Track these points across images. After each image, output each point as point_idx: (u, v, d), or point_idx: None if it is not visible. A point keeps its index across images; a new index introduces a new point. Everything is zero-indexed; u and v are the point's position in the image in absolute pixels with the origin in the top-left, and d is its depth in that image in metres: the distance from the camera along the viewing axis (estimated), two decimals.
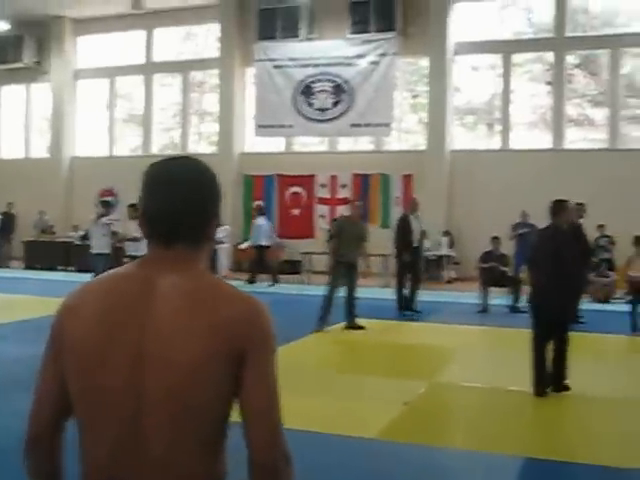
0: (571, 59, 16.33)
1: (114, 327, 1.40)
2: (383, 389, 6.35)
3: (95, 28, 19.25)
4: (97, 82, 19.53)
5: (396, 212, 16.80)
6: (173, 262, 1.45)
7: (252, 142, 18.24)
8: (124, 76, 19.27)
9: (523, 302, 10.86)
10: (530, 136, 16.49)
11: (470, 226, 16.15)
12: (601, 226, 13.99)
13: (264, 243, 15.01)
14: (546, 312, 5.95)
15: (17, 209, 18.73)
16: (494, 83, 16.67)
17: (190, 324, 1.38)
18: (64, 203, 19.51)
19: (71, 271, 16.13)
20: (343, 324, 9.60)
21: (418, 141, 17.30)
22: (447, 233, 16.25)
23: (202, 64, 18.59)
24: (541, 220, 13.98)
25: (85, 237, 14.35)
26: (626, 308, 10.27)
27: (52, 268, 16.63)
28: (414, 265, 11.19)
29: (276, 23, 17.14)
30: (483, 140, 17.08)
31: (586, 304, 10.22)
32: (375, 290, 13.80)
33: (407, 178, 16.70)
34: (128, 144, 19.65)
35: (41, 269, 16.57)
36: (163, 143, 19.36)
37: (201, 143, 19.25)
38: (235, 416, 1.52)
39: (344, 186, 17.08)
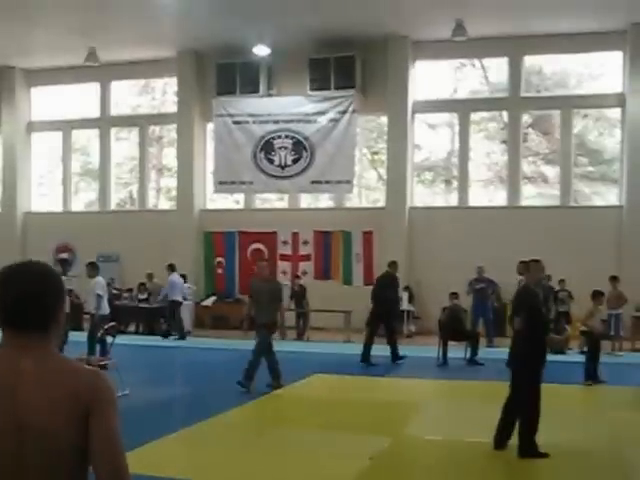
0: (525, 118, 17.83)
1: None
2: (348, 445, 6.70)
3: (48, 79, 19.83)
4: (51, 135, 20.13)
5: (357, 268, 18.04)
6: (27, 345, 1.89)
7: (212, 198, 19.18)
8: (79, 129, 19.94)
9: (480, 355, 12.15)
10: (486, 193, 17.91)
11: (429, 281, 17.39)
12: (562, 281, 15.36)
13: (176, 298, 15.93)
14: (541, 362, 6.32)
15: None
16: (451, 141, 18.06)
17: (52, 395, 1.84)
18: (18, 259, 19.99)
19: None
20: (304, 379, 10.36)
21: (378, 197, 18.54)
22: (407, 288, 17.38)
23: (160, 118, 19.47)
24: (498, 275, 15.51)
25: None
26: (580, 359, 11.38)
27: None
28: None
29: (235, 78, 18.13)
30: (441, 196, 18.43)
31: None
32: (337, 345, 14.92)
33: (367, 235, 17.84)
34: (84, 199, 20.32)
35: None
36: (121, 197, 20.13)
37: (160, 198, 20.10)
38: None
39: (306, 243, 18.14)
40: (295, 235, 18.19)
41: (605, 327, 12.92)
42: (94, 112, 19.64)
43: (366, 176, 18.96)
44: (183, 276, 17.33)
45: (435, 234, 17.52)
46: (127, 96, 19.62)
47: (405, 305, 17.28)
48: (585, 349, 13.12)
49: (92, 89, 19.59)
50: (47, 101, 19.99)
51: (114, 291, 16.90)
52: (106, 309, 11.33)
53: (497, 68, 17.75)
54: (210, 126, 19.02)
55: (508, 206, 17.60)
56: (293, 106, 18.12)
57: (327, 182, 17.92)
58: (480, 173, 18.04)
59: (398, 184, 17.74)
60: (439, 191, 18.58)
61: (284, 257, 18.30)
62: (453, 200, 18.13)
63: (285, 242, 18.28)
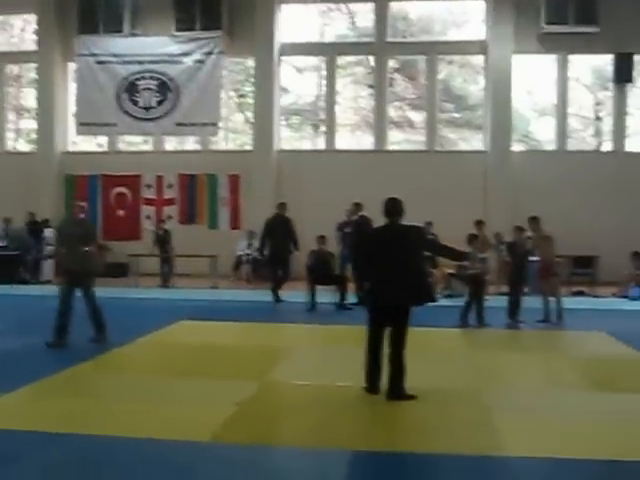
0: (392, 63, 18.89)
1: None
2: (213, 391, 6.72)
3: None
4: None
5: (223, 212, 18.74)
6: None
7: (74, 141, 19.49)
8: None
9: (349, 299, 12.40)
10: (354, 137, 18.90)
11: (297, 225, 18.15)
12: (429, 223, 16.39)
13: None
14: (380, 301, 6.58)
15: None
16: (319, 85, 18.96)
17: None
18: None
19: None
20: (169, 326, 10.42)
21: (245, 141, 19.28)
22: None
23: (19, 56, 19.59)
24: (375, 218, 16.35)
25: None
26: (447, 302, 12.13)
27: None
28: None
29: (98, 17, 18.50)
30: (309, 140, 19.31)
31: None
32: (203, 291, 15.27)
33: (234, 178, 18.56)
34: None
35: None
36: None
37: (19, 140, 20.25)
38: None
39: (170, 186, 18.71)
40: (159, 178, 18.74)
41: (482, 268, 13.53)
42: None
43: (233, 119, 19.65)
44: (45, 221, 17.65)
45: (303, 178, 18.36)
46: None
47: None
48: (449, 292, 14.17)
49: None
50: None
51: None
52: None
53: (364, 13, 18.74)
54: (72, 66, 19.30)
55: (375, 150, 18.65)
56: (158, 46, 18.63)
57: (192, 124, 18.51)
58: (347, 117, 19.01)
59: (265, 127, 18.50)
60: (307, 135, 19.44)
61: (148, 201, 18.83)
62: (321, 144, 19.03)
63: (149, 186, 18.81)
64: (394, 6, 18.63)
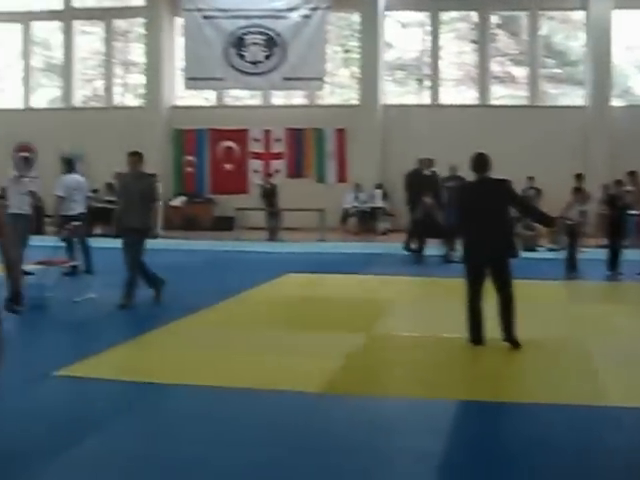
0: (494, 19, 20.16)
1: None
2: (321, 343, 7.03)
3: None
4: (9, 27, 21.15)
5: (330, 166, 20.18)
6: None
7: (182, 95, 20.80)
8: (40, 21, 21.06)
9: (457, 252, 12.99)
10: (457, 92, 20.25)
11: (403, 179, 19.61)
12: (530, 178, 17.76)
13: None
14: (475, 256, 6.92)
15: None
16: (423, 40, 20.27)
17: None
18: None
19: None
20: (276, 279, 10.92)
21: (351, 95, 20.63)
22: (380, 186, 19.59)
23: (126, 12, 20.81)
24: (470, 174, 17.74)
25: (1, 196, 15.61)
26: (550, 256, 13.06)
27: None
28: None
29: None
30: (412, 95, 20.66)
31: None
32: (311, 244, 16.12)
33: (340, 132, 19.94)
34: (46, 96, 21.57)
35: None
36: (85, 94, 21.49)
37: (127, 95, 21.59)
38: None
39: (278, 140, 20.10)
40: (267, 133, 20.09)
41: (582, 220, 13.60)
42: (56, 4, 20.72)
43: (339, 74, 20.98)
44: (153, 175, 19.02)
45: (408, 132, 19.63)
46: None
47: (379, 203, 19.51)
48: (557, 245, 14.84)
49: None
50: None
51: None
52: (69, 209, 10.99)
53: None
54: (179, 21, 20.55)
55: (478, 105, 20.01)
56: (265, 1, 19.87)
57: (299, 79, 19.83)
58: (451, 72, 20.32)
59: (370, 82, 19.81)
60: (411, 90, 20.79)
61: (256, 155, 20.21)
62: (425, 99, 20.38)
63: (257, 140, 20.18)
64: None
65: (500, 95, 20.29)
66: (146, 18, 20.39)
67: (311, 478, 4.02)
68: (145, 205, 8.80)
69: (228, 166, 20.37)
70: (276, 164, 20.07)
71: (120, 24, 21.17)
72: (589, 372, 6.15)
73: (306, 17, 19.77)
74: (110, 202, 19.11)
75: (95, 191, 19.54)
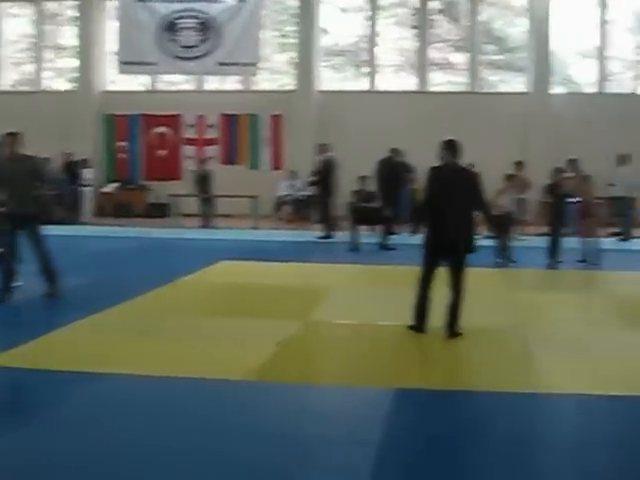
0: (434, 5, 20.76)
1: None
2: (255, 331, 7.20)
3: None
4: None
5: (265, 153, 20.68)
6: None
7: (113, 80, 21.24)
8: None
9: (392, 240, 13.71)
10: (396, 78, 20.82)
11: (339, 166, 20.13)
12: (471, 165, 18.17)
13: None
14: (436, 243, 7.05)
15: None
16: (362, 26, 20.83)
17: None
18: None
19: None
20: (209, 267, 11.19)
21: (287, 81, 21.13)
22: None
23: None
24: (409, 160, 18.26)
25: None
26: (489, 243, 12.93)
27: None
28: None
29: None
30: (350, 81, 21.19)
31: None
32: (244, 232, 16.52)
33: (276, 118, 20.42)
34: None
35: None
36: (14, 78, 21.88)
37: (57, 79, 21.92)
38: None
39: (211, 126, 20.57)
40: (201, 118, 20.52)
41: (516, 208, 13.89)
42: None
43: (275, 59, 21.49)
44: (84, 161, 19.49)
45: (345, 118, 20.12)
46: None
47: (315, 190, 19.92)
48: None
49: None
50: None
51: None
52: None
53: None
54: (111, 4, 20.99)
55: (417, 91, 20.57)
56: None
57: (233, 64, 20.24)
58: (390, 59, 20.86)
59: (307, 68, 20.33)
60: (349, 76, 21.31)
61: (189, 141, 20.65)
62: (363, 85, 20.89)
63: (190, 126, 20.63)
64: None
65: (439, 82, 20.87)
66: (78, 0, 20.82)
67: (242, 467, 4.11)
68: (28, 190, 8.62)
69: (161, 152, 20.79)
70: (210, 150, 20.49)
71: (50, 6, 21.56)
72: (526, 359, 6.40)
73: (241, 1, 20.24)
74: None
75: None
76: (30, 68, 21.67)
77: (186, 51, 20.45)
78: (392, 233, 14.21)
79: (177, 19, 20.48)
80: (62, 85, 21.74)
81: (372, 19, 20.63)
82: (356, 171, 15.87)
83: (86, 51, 20.79)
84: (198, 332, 7.19)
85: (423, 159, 13.30)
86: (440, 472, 4.15)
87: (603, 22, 20.25)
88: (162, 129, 20.73)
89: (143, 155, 20.84)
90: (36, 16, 21.39)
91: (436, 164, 7.33)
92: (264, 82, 21.26)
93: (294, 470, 4.12)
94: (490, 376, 5.93)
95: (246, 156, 20.59)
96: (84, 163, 19.42)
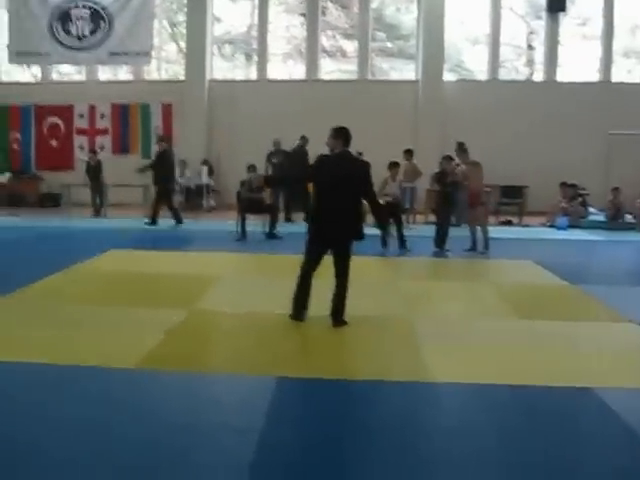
0: None
1: None
2: (141, 319, 7.43)
3: None
4: None
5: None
6: None
7: (6, 70, 22.26)
8: None
9: (278, 229, 14.22)
10: (286, 67, 21.84)
11: (229, 155, 21.18)
12: (360, 153, 18.97)
13: None
14: (321, 232, 7.29)
15: None
16: (252, 14, 21.85)
17: None
18: None
19: None
20: (99, 255, 11.65)
21: (178, 70, 22.18)
22: (206, 162, 21.10)
23: None
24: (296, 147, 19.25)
25: None
26: (375, 232, 14.01)
27: None
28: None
29: None
30: (241, 70, 22.25)
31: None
32: (136, 221, 17.04)
33: (167, 108, 21.48)
34: None
35: None
36: None
37: None
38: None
39: (103, 116, 21.66)
40: (92, 108, 21.61)
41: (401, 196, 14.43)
42: None
43: (166, 49, 22.56)
44: None
45: (235, 107, 21.22)
46: None
47: (204, 179, 21.02)
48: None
49: None
50: None
51: None
52: None
53: None
54: None
55: (307, 79, 21.58)
56: None
57: (125, 54, 21.32)
58: (280, 47, 21.91)
59: (198, 57, 21.34)
60: (239, 65, 22.38)
61: (81, 131, 21.78)
62: (253, 74, 21.94)
63: (82, 116, 21.72)
64: None
65: (330, 69, 21.86)
66: None
67: (125, 457, 4.27)
68: None
69: (54, 142, 21.90)
70: (101, 140, 21.59)
71: None
72: (411, 348, 6.62)
73: None
74: None
75: None
76: None
77: (78, 41, 21.48)
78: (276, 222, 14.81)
79: (69, 9, 21.51)
80: None
81: (262, 7, 21.57)
82: (247, 160, 16.21)
83: None
84: (84, 320, 7.41)
85: (314, 148, 14.36)
86: (319, 460, 4.34)
87: (495, 9, 21.18)
88: (54, 119, 21.81)
89: (36, 145, 21.93)
90: None
91: (325, 153, 7.54)
92: (155, 72, 22.32)
93: (178, 456, 4.29)
94: (374, 365, 6.14)
95: (138, 145, 21.64)
96: None
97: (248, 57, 22.26)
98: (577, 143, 20.51)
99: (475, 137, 17.57)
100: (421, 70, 21.15)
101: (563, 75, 21.18)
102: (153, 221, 16.56)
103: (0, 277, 9.74)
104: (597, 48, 21.05)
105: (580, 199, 18.40)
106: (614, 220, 17.79)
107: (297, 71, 21.72)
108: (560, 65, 21.24)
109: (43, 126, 21.91)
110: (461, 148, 13.06)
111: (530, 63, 21.92)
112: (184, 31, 21.91)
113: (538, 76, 21.69)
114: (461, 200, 13.29)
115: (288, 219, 17.32)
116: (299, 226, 10.95)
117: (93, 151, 20.24)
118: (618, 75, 21.16)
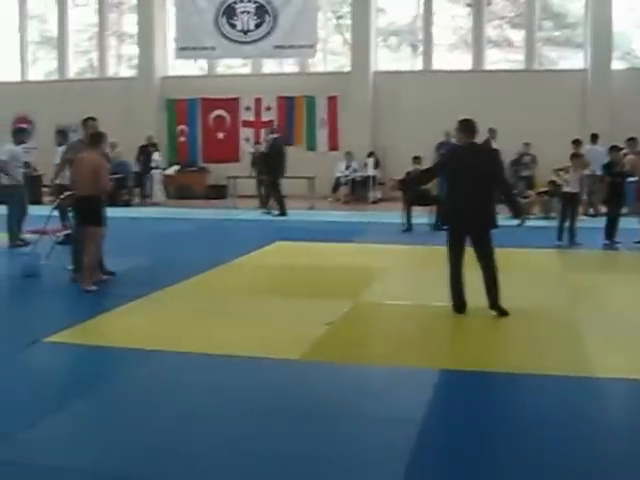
0: None
1: None
2: (307, 310, 7.75)
3: None
4: (5, 3, 24.07)
5: (322, 134, 22.66)
6: None
7: (174, 65, 23.46)
8: None
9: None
10: (452, 57, 22.47)
11: (394, 147, 21.84)
12: (527, 144, 19.79)
13: None
14: (455, 222, 7.58)
15: None
16: (417, 5, 22.54)
17: None
18: None
19: None
20: (266, 247, 12.37)
21: (343, 62, 22.99)
22: (372, 154, 21.79)
23: None
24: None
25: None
26: (544, 223, 14.30)
27: None
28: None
29: None
30: (406, 61, 22.91)
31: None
32: (301, 212, 17.90)
33: (332, 100, 22.33)
34: (43, 68, 24.54)
35: None
36: (81, 66, 24.41)
37: (121, 66, 24.42)
38: None
39: (269, 109, 22.65)
40: (258, 101, 22.61)
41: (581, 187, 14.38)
42: None
43: (331, 41, 23.42)
44: (154, 145, 21.72)
45: (400, 99, 21.80)
46: None
47: (370, 171, 21.61)
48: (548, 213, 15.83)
49: None
50: None
51: None
52: (65, 178, 11.26)
53: None
54: None
55: (473, 70, 22.13)
56: None
57: (290, 47, 22.25)
58: (445, 37, 22.56)
59: (363, 48, 22.03)
60: (405, 56, 23.07)
61: (247, 123, 22.80)
62: (418, 65, 22.56)
63: (248, 108, 22.78)
64: None
65: (496, 59, 22.30)
66: None
67: (298, 443, 4.55)
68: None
69: (220, 135, 23.02)
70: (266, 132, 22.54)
71: None
72: (575, 342, 6.72)
73: None
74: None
75: None
76: (95, 56, 24.18)
77: (243, 35, 22.52)
78: None
79: (234, 3, 22.58)
80: (125, 72, 24.16)
81: None
82: (412, 152, 17.06)
83: (147, 38, 22.99)
84: (251, 311, 7.87)
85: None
86: (477, 455, 4.47)
87: None
88: (220, 112, 22.92)
89: (202, 138, 23.08)
90: (99, 5, 23.78)
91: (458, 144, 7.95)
92: (320, 64, 23.18)
93: (338, 449, 4.47)
94: (537, 358, 6.29)
95: (303, 137, 22.56)
96: (154, 147, 21.50)
97: (413, 48, 22.93)
98: None
99: None
100: (589, 58, 21.41)
101: None
102: (282, 212, 17.46)
103: (171, 268, 10.39)
104: None
105: None
106: None
107: (463, 61, 22.26)
108: None
109: (209, 119, 23.03)
110: (632, 141, 13.70)
111: None
112: (349, 22, 22.67)
113: None
114: (631, 191, 13.55)
115: None
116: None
117: (259, 143, 21.13)
118: None
